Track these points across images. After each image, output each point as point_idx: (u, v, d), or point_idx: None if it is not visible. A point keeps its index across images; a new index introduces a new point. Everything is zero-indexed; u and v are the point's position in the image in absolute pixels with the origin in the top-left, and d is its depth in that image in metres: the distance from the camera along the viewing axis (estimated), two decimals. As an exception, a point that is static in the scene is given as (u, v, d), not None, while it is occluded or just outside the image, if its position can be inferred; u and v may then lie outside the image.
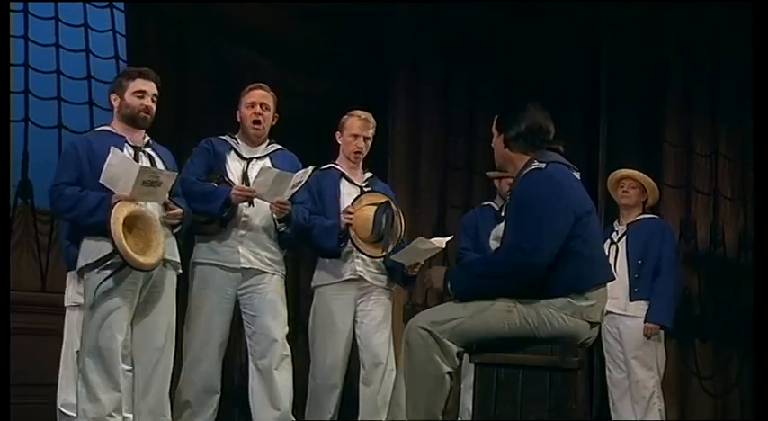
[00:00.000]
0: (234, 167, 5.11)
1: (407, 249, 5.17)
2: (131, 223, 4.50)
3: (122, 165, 4.50)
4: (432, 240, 5.27)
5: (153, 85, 4.79)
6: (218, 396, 5.07)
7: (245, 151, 5.15)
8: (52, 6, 7.65)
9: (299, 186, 5.03)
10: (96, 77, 7.80)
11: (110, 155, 4.51)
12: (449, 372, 3.82)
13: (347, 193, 5.35)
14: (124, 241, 4.40)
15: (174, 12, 7.12)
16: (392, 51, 7.69)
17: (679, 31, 7.64)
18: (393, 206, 5.21)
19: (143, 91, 4.75)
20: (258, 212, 5.06)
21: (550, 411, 3.83)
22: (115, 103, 4.80)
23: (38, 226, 7.33)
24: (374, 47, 7.67)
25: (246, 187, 4.94)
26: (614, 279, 4.09)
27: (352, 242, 5.19)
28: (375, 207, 5.18)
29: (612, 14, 7.63)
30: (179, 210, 4.76)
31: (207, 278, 5.01)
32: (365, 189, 5.39)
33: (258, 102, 5.16)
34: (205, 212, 5.00)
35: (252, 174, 5.07)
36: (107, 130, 4.79)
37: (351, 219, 5.17)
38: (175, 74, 7.01)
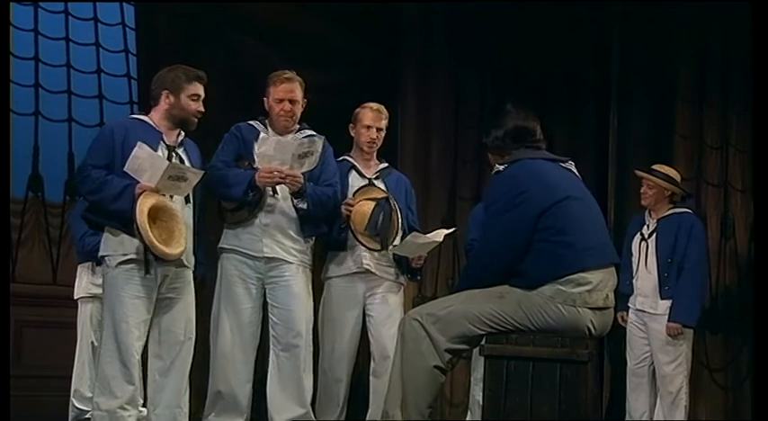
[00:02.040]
0: None
1: (404, 243, 5.18)
2: (155, 214, 4.52)
3: (150, 160, 4.50)
4: (429, 234, 5.27)
5: (203, 88, 4.79)
6: (250, 385, 5.10)
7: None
8: (62, 0, 7.68)
9: (313, 157, 4.98)
10: (106, 71, 7.82)
11: (136, 148, 4.50)
12: (436, 366, 3.81)
13: (355, 186, 5.35)
14: (150, 232, 4.43)
15: (183, 5, 7.11)
16: (401, 44, 7.68)
17: (690, 23, 7.61)
18: (391, 203, 5.20)
19: (199, 95, 4.75)
20: (282, 201, 5.07)
21: (560, 403, 3.82)
22: (166, 101, 4.74)
23: (48, 219, 7.36)
24: (384, 39, 7.65)
25: (270, 167, 4.90)
26: (615, 262, 4.01)
27: (352, 233, 5.20)
28: (374, 202, 5.17)
29: (623, 6, 7.60)
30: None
31: (233, 265, 5.04)
32: (374, 180, 5.38)
33: (287, 98, 5.12)
34: (229, 197, 5.01)
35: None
36: (146, 122, 4.75)
37: (350, 211, 5.18)
38: (185, 67, 7.01)
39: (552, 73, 7.74)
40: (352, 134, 5.44)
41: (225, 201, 5.07)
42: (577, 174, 4.12)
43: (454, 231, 5.56)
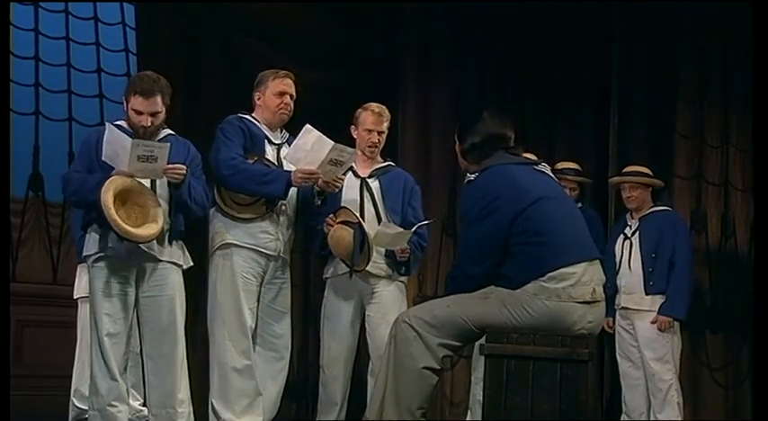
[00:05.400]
0: (268, 151, 5.11)
1: (377, 234, 5.13)
2: (127, 197, 4.51)
3: (117, 141, 4.51)
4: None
5: (156, 99, 4.69)
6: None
7: (272, 136, 5.14)
8: (62, -1, 7.68)
9: (341, 169, 4.99)
10: (106, 70, 7.83)
11: (106, 131, 4.52)
12: (427, 367, 3.90)
13: (349, 186, 5.30)
14: (112, 209, 4.40)
15: (183, 5, 7.11)
16: (402, 44, 7.67)
17: (690, 23, 7.61)
18: (364, 229, 5.11)
19: (140, 111, 4.68)
20: (291, 199, 5.09)
21: (561, 402, 3.84)
22: (125, 108, 4.77)
23: (49, 218, 7.37)
24: (384, 39, 7.66)
25: (309, 169, 4.89)
26: (595, 257, 4.08)
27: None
28: (350, 230, 5.10)
29: (624, 6, 7.61)
30: (182, 166, 4.65)
31: (246, 262, 5.02)
32: (367, 179, 5.36)
33: (288, 92, 5.13)
34: (264, 194, 4.97)
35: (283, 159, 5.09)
36: (122, 126, 4.75)
37: (329, 230, 5.14)
38: (186, 66, 7.01)
39: (552, 73, 7.74)
40: (354, 135, 5.41)
41: (245, 196, 5.00)
42: (551, 175, 4.23)
43: (432, 222, 5.54)
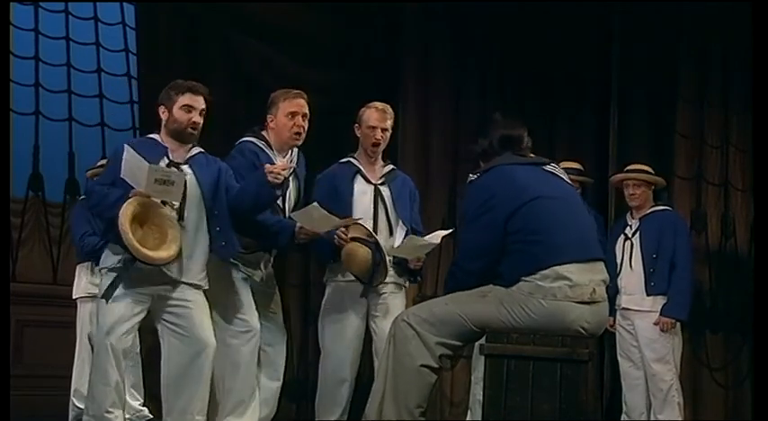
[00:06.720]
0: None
1: (402, 246, 5.13)
2: (145, 218, 4.51)
3: (134, 163, 4.51)
4: (426, 237, 5.22)
5: (201, 99, 4.74)
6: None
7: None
8: (63, -1, 7.70)
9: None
10: (106, 70, 7.84)
11: (124, 152, 4.52)
12: (425, 365, 3.91)
13: (361, 192, 5.25)
14: (130, 233, 4.40)
15: (183, 5, 7.11)
16: (402, 44, 7.68)
17: (690, 23, 7.62)
18: (381, 248, 5.06)
19: (191, 106, 4.71)
20: None
21: (561, 402, 3.84)
22: (163, 117, 4.74)
23: (49, 218, 7.38)
24: (384, 39, 7.66)
25: (310, 231, 4.92)
26: (597, 257, 4.07)
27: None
28: (366, 248, 5.03)
29: (624, 6, 7.61)
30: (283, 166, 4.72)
31: (241, 274, 5.01)
32: (379, 186, 5.34)
33: (300, 112, 5.06)
34: (268, 243, 5.01)
35: (287, 194, 5.07)
36: (154, 139, 4.76)
37: (342, 244, 5.07)
38: (186, 67, 7.00)
39: (552, 73, 7.74)
40: (358, 134, 5.36)
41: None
42: (560, 174, 4.21)
43: (452, 232, 5.52)
